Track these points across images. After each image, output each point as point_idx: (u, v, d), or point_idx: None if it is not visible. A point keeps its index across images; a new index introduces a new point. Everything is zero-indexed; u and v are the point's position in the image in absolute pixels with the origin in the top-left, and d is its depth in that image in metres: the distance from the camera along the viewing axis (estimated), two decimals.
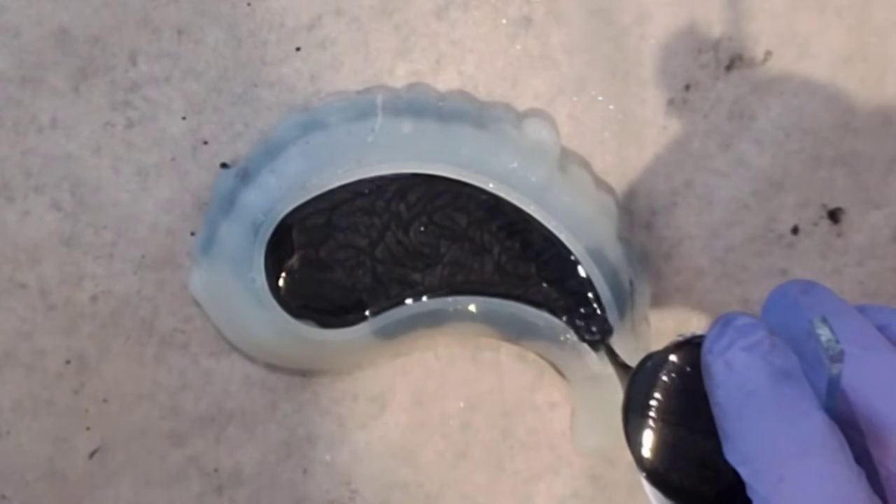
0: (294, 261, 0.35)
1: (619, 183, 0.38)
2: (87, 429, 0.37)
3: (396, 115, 0.35)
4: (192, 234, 0.36)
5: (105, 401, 0.37)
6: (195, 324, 0.37)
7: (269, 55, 0.36)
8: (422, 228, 0.35)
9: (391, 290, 0.35)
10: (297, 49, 0.36)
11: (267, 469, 0.38)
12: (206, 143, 0.36)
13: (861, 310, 0.25)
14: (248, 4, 0.36)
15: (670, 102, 0.38)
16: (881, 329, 0.24)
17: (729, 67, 0.38)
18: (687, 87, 0.38)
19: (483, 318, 0.36)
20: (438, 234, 0.35)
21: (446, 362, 0.38)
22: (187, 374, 0.37)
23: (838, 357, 0.21)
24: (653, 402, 0.26)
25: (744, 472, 0.22)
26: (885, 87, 0.39)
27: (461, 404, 0.38)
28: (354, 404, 0.38)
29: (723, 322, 0.25)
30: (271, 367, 0.37)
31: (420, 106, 0.36)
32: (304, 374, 0.38)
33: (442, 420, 0.38)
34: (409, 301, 0.35)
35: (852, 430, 0.22)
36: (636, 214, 0.38)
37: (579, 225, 0.35)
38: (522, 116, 0.37)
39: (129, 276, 0.36)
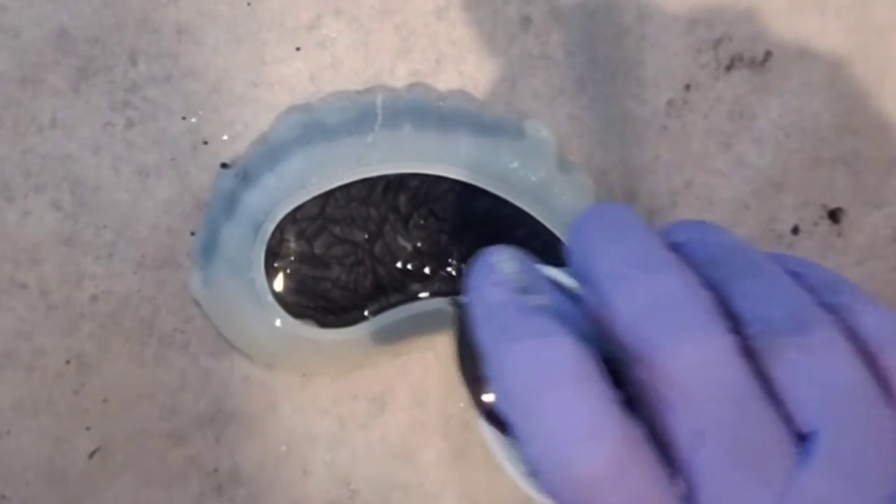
0: (294, 261, 0.35)
1: (619, 183, 0.38)
2: (87, 429, 0.37)
3: (396, 116, 0.35)
4: (192, 234, 0.36)
5: (105, 401, 0.37)
6: (195, 324, 0.37)
7: (269, 55, 0.36)
8: (421, 228, 0.35)
9: (391, 290, 0.35)
10: (297, 49, 0.36)
11: (266, 469, 0.38)
12: (206, 143, 0.36)
13: (666, 230, 0.25)
14: (248, 4, 0.36)
15: (670, 103, 0.38)
16: (678, 246, 0.24)
17: (729, 67, 0.38)
18: (687, 88, 0.38)
19: None
20: (438, 234, 0.35)
21: (446, 362, 0.38)
22: (187, 374, 0.37)
23: (527, 290, 0.21)
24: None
25: (504, 409, 0.22)
26: (885, 87, 0.39)
27: (461, 404, 0.38)
28: (354, 404, 0.38)
29: (479, 258, 0.24)
30: (271, 367, 0.37)
31: (420, 106, 0.36)
32: (304, 374, 0.38)
33: (442, 420, 0.38)
34: (408, 301, 0.35)
35: (627, 356, 0.22)
36: None
37: None
38: (522, 116, 0.37)
39: (129, 276, 0.36)
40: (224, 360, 0.37)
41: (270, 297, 0.35)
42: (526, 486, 0.24)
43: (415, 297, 0.36)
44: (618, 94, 0.38)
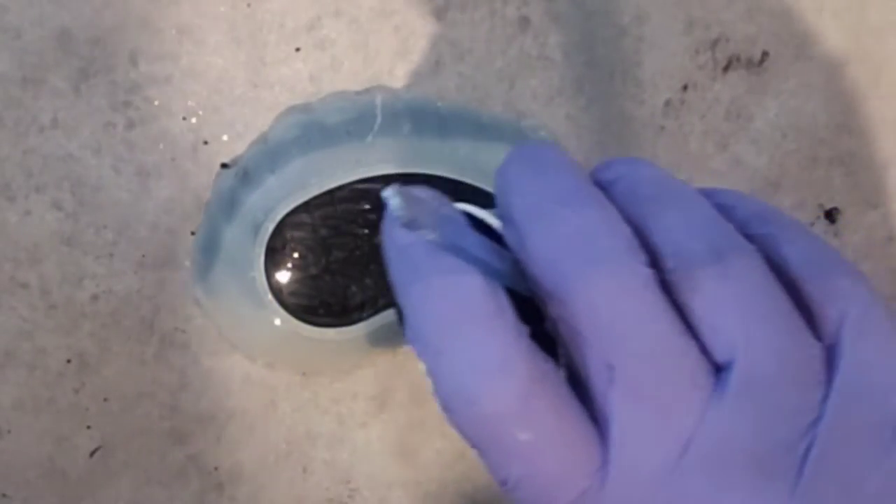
0: (294, 260, 0.35)
1: None
2: (88, 427, 0.37)
3: (396, 116, 0.35)
4: (192, 233, 0.37)
5: (106, 400, 0.37)
6: (195, 323, 0.37)
7: (269, 55, 0.36)
8: None
9: (390, 290, 0.36)
10: (297, 49, 0.36)
11: (267, 468, 0.38)
12: (206, 143, 0.36)
13: (595, 168, 0.24)
14: (248, 5, 0.36)
15: (668, 103, 0.38)
16: (608, 184, 0.23)
17: (726, 68, 0.38)
18: (685, 88, 0.38)
19: None
20: None
21: None
22: (187, 374, 0.37)
23: (413, 224, 0.20)
24: None
25: (416, 350, 0.22)
26: (882, 87, 0.39)
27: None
28: (354, 403, 0.38)
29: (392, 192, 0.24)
30: (271, 366, 0.38)
31: (419, 107, 0.36)
32: (304, 373, 0.38)
33: (441, 419, 0.38)
34: None
35: (544, 292, 0.22)
36: None
37: None
38: (521, 117, 0.37)
39: (129, 276, 0.36)
40: (224, 359, 0.37)
41: (270, 297, 0.35)
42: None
43: None
44: (616, 95, 0.38)
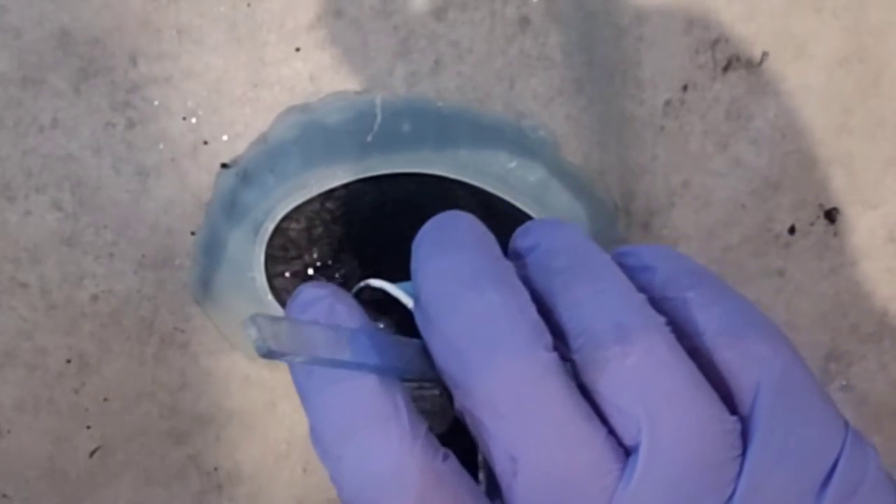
0: (293, 260, 0.35)
1: (616, 183, 0.38)
2: (88, 427, 0.37)
3: (395, 116, 0.35)
4: (193, 233, 0.37)
5: (105, 400, 0.37)
6: (195, 323, 0.37)
7: (269, 55, 0.36)
8: (420, 227, 0.35)
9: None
10: (297, 49, 0.36)
11: (266, 468, 0.38)
12: (206, 143, 0.36)
13: (515, 234, 0.24)
14: (248, 5, 0.36)
15: (668, 103, 0.38)
16: (525, 252, 0.23)
17: (726, 68, 0.38)
18: (684, 88, 0.38)
19: None
20: None
21: None
22: (187, 374, 0.37)
23: (269, 355, 0.20)
24: None
25: (319, 456, 0.22)
26: (881, 87, 0.39)
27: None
28: None
29: (292, 297, 0.23)
30: (271, 367, 0.38)
31: (419, 107, 0.36)
32: None
33: None
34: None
35: (448, 381, 0.21)
36: (634, 215, 0.38)
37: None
38: (520, 117, 0.37)
39: (129, 276, 0.36)
40: (224, 359, 0.37)
41: (270, 297, 0.35)
42: None
43: None
44: (616, 95, 0.38)
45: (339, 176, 0.35)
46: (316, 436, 0.22)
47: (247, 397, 0.38)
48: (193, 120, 0.36)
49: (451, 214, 0.24)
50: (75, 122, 0.35)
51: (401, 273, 0.36)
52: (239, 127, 0.36)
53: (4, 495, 0.37)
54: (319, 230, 0.35)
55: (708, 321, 0.21)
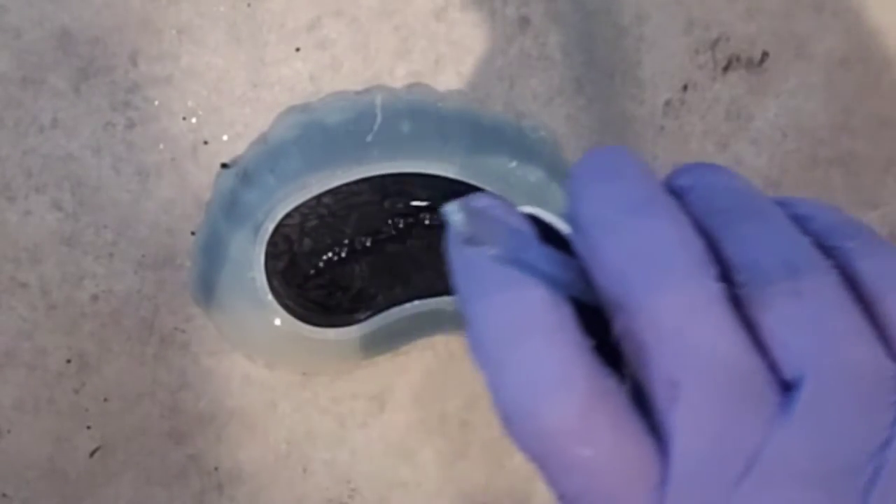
0: (294, 260, 0.35)
1: None
2: (88, 427, 0.37)
3: (395, 116, 0.35)
4: (193, 233, 0.37)
5: (106, 400, 0.37)
6: (195, 323, 0.37)
7: (269, 55, 0.36)
8: (420, 227, 0.35)
9: (391, 289, 0.36)
10: (297, 49, 0.36)
11: (267, 467, 0.38)
12: (206, 143, 0.36)
13: (672, 174, 0.24)
14: (248, 5, 0.36)
15: (668, 103, 0.38)
16: (682, 190, 0.23)
17: (726, 68, 0.38)
18: (684, 88, 0.38)
19: None
20: (437, 233, 0.35)
21: (445, 361, 0.38)
22: (187, 374, 0.37)
23: (473, 240, 0.20)
24: None
25: (477, 362, 0.22)
26: (882, 87, 0.39)
27: (460, 403, 0.39)
28: (354, 403, 0.38)
29: (465, 200, 0.23)
30: (271, 366, 0.38)
31: (419, 106, 0.36)
32: (304, 373, 0.38)
33: (441, 419, 0.39)
34: (408, 300, 0.36)
35: (610, 305, 0.21)
36: None
37: None
38: (521, 117, 0.37)
39: (129, 276, 0.36)
40: (224, 359, 0.37)
41: (270, 297, 0.35)
42: None
43: (414, 297, 0.36)
44: (616, 95, 0.38)
45: (338, 176, 0.35)
46: (475, 342, 0.21)
47: (247, 397, 0.38)
48: (193, 120, 0.36)
49: (613, 147, 0.24)
50: (75, 122, 0.35)
51: (401, 272, 0.36)
52: (239, 127, 0.37)
53: (4, 495, 0.37)
54: (320, 230, 0.35)
55: (869, 270, 0.21)
